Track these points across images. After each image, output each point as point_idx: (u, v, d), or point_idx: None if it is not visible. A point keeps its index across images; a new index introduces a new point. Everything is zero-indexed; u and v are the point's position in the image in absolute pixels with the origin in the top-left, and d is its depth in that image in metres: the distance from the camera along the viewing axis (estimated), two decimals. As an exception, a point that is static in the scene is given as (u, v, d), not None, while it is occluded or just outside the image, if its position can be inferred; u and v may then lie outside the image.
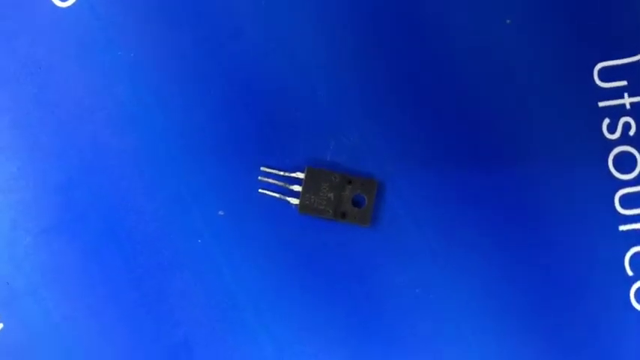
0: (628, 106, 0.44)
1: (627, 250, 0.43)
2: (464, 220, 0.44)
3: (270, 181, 0.44)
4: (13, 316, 0.44)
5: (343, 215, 0.44)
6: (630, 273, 0.43)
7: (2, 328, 0.44)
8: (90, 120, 0.45)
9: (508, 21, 0.45)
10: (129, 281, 0.44)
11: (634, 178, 0.44)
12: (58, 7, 0.45)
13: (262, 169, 0.44)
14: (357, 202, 0.44)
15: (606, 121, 0.44)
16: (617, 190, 0.44)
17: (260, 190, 0.44)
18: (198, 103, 0.45)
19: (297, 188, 0.44)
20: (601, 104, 0.44)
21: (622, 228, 0.44)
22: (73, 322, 0.44)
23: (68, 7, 0.45)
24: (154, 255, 0.44)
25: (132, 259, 0.44)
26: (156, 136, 0.45)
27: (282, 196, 0.44)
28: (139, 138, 0.45)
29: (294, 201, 0.44)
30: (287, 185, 0.44)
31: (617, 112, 0.44)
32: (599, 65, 0.44)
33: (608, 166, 0.44)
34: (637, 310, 0.43)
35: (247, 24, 0.45)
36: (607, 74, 0.44)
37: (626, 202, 0.44)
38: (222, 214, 0.44)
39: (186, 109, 0.45)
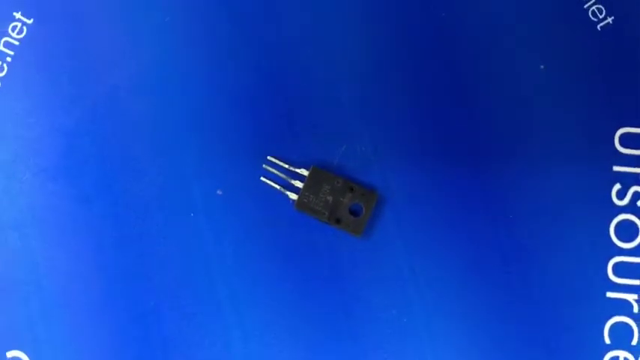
0: (642, 177, 0.44)
1: (610, 317, 0.43)
2: (453, 254, 0.44)
3: (274, 171, 0.44)
4: (-5, 248, 0.44)
5: (338, 221, 0.44)
6: (608, 341, 0.43)
7: (-19, 257, 0.44)
8: (111, 74, 0.45)
9: (542, 66, 0.45)
10: (113, 238, 0.44)
11: (632, 248, 0.44)
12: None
13: (268, 158, 0.44)
14: (353, 211, 0.44)
15: (617, 186, 0.44)
16: (612, 257, 0.43)
17: (262, 178, 0.44)
18: (221, 81, 0.45)
19: (298, 184, 0.44)
20: (615, 168, 0.44)
21: (609, 295, 0.43)
22: (52, 264, 0.44)
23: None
24: (144, 218, 0.44)
25: (122, 217, 0.44)
26: (171, 104, 0.45)
27: (282, 189, 0.44)
28: (154, 102, 0.45)
29: (293, 196, 0.44)
30: (289, 179, 0.44)
31: (629, 180, 0.44)
32: (622, 130, 0.44)
33: (609, 231, 0.44)
34: (606, 379, 0.43)
35: (286, 15, 0.45)
36: (628, 140, 0.44)
37: (620, 270, 0.43)
38: (220, 193, 0.44)
39: (208, 85, 0.45)
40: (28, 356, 0.43)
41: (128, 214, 0.44)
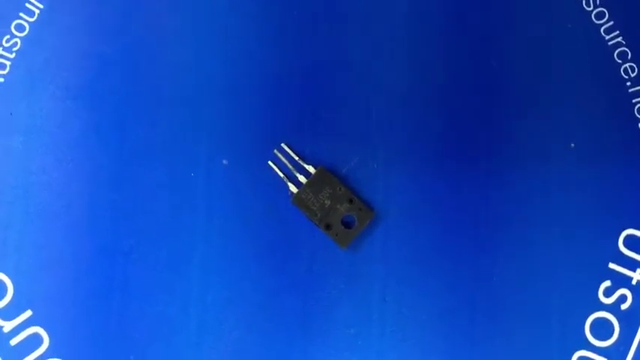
0: (634, 282, 0.43)
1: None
2: (428, 297, 0.43)
3: (283, 159, 0.44)
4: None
5: (328, 226, 0.43)
6: None
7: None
8: (165, 18, 0.45)
9: (572, 145, 0.45)
10: (111, 172, 0.44)
11: (603, 347, 0.43)
12: None
13: (282, 145, 0.44)
14: (346, 222, 0.44)
15: (607, 283, 0.43)
16: (580, 349, 0.43)
17: (269, 162, 0.44)
18: (265, 60, 0.45)
19: (302, 179, 0.44)
20: (611, 265, 0.44)
21: (565, 385, 0.43)
22: (46, 177, 0.44)
23: None
24: (147, 163, 0.44)
25: (125, 155, 0.44)
26: (209, 63, 0.45)
27: (286, 179, 0.44)
28: (194, 55, 0.45)
29: (293, 188, 0.44)
30: (295, 171, 0.44)
31: (620, 281, 0.43)
32: (629, 231, 0.44)
33: (584, 324, 0.43)
34: None
35: (350, 25, 0.46)
36: (631, 242, 0.44)
37: (583, 364, 0.43)
38: (225, 163, 0.45)
39: (249, 59, 0.45)
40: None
41: (132, 153, 0.44)
